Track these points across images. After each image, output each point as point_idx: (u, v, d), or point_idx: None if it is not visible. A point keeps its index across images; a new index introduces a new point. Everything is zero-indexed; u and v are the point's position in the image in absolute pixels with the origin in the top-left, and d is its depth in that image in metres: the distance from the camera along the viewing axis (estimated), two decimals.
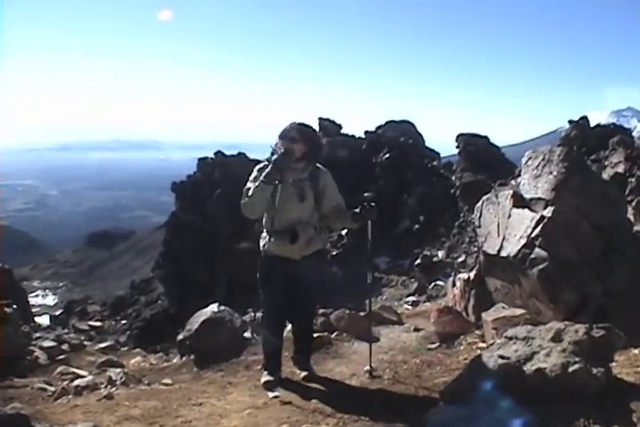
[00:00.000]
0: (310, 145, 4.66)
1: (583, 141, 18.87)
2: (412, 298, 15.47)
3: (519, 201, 6.00)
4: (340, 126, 33.91)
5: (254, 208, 4.62)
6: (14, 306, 7.82)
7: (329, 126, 33.15)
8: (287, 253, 4.69)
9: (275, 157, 4.53)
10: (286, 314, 5.05)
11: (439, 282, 16.39)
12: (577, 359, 3.44)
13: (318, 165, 4.81)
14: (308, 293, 4.93)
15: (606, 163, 13.92)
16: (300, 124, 4.69)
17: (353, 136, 34.00)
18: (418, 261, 20.21)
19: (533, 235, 5.51)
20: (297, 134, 4.59)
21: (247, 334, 6.84)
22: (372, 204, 4.62)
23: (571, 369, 3.36)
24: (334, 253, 24.39)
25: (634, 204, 9.21)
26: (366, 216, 4.66)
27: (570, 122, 20.99)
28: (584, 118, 21.07)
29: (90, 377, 5.99)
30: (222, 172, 32.24)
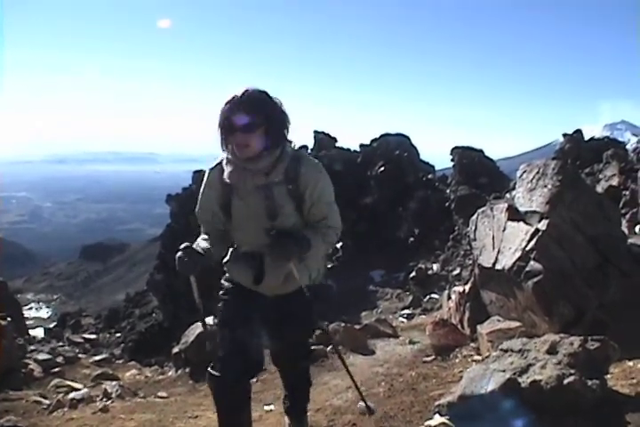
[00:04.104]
0: (272, 124, 2.90)
1: (577, 155, 18.99)
2: (406, 311, 15.42)
3: (514, 214, 6.02)
4: (335, 139, 34.01)
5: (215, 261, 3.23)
6: (9, 319, 7.81)
7: (324, 139, 33.25)
8: (253, 287, 3.15)
9: (179, 254, 2.92)
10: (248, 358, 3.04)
11: (434, 295, 16.40)
12: (572, 371, 3.45)
13: (295, 148, 3.08)
14: (293, 343, 3.40)
15: (600, 176, 14.01)
16: (249, 94, 2.84)
17: (348, 149, 34.10)
18: (413, 273, 20.21)
19: (528, 248, 5.53)
20: (254, 117, 2.81)
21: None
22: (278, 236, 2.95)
23: (566, 381, 3.37)
24: (329, 266, 24.39)
25: (628, 216, 9.26)
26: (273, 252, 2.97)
27: (564, 135, 21.13)
28: (578, 132, 21.22)
29: (85, 390, 5.99)
30: None
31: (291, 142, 3.03)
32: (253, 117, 2.79)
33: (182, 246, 2.95)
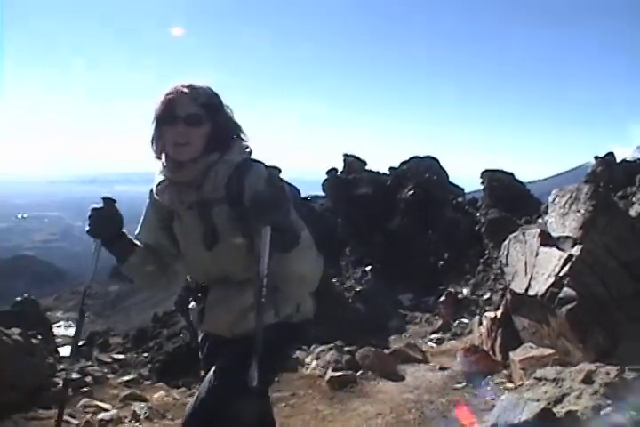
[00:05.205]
0: (220, 123, 2.35)
1: (610, 178, 18.79)
2: (436, 335, 15.27)
3: (547, 239, 5.97)
4: (364, 163, 34.05)
5: (143, 285, 2.71)
6: (39, 337, 7.88)
7: (354, 162, 33.31)
8: (206, 326, 2.52)
9: (91, 211, 2.41)
10: None
11: (464, 319, 16.23)
12: (609, 402, 3.38)
13: (246, 156, 2.40)
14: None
15: (634, 199, 13.82)
16: (196, 86, 2.33)
17: (378, 172, 34.11)
18: (442, 298, 20.05)
19: (561, 274, 5.46)
20: (202, 108, 2.29)
21: None
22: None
23: (603, 412, 3.30)
24: (358, 289, 24.32)
25: None
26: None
27: (596, 158, 20.92)
28: (610, 154, 21.00)
29: (114, 411, 5.98)
30: None
31: (246, 148, 2.42)
32: (201, 108, 2.29)
33: (104, 200, 2.41)
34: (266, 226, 2.11)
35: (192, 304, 2.60)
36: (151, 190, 2.48)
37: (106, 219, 2.39)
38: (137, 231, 2.56)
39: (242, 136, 2.43)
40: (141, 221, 2.58)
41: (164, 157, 2.37)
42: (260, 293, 2.13)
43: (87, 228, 2.40)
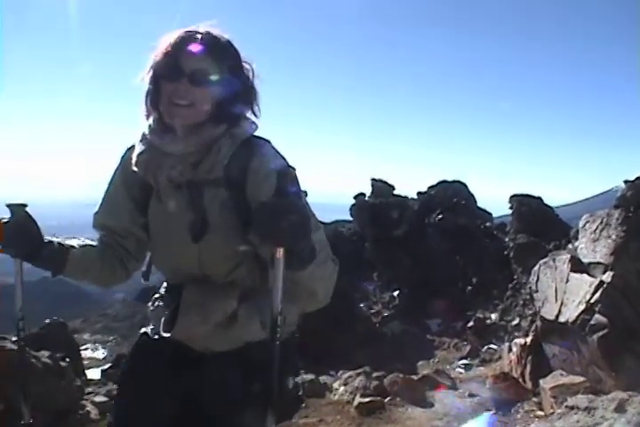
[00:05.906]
0: (234, 84, 1.84)
1: None
2: (464, 361, 15.12)
3: (577, 265, 5.92)
4: (392, 187, 33.98)
5: (95, 285, 2.24)
6: (67, 359, 7.93)
7: (382, 187, 33.27)
8: (177, 334, 1.91)
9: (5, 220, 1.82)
10: None
11: (492, 345, 16.06)
12: None
13: (245, 131, 1.88)
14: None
15: None
16: (214, 35, 1.80)
17: (406, 197, 34.05)
18: (470, 323, 19.84)
19: (593, 300, 5.41)
20: (215, 64, 1.79)
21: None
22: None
23: None
24: (386, 314, 24.18)
25: None
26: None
27: (625, 182, 20.71)
28: None
29: None
30: None
31: (253, 124, 1.92)
32: (213, 64, 1.78)
33: (11, 207, 1.84)
34: (277, 248, 1.57)
35: (155, 304, 2.10)
36: (122, 159, 2.01)
37: (19, 232, 1.83)
38: (95, 210, 2.12)
39: (254, 104, 1.91)
40: (103, 197, 2.08)
41: (151, 119, 1.89)
42: (275, 334, 1.63)
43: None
